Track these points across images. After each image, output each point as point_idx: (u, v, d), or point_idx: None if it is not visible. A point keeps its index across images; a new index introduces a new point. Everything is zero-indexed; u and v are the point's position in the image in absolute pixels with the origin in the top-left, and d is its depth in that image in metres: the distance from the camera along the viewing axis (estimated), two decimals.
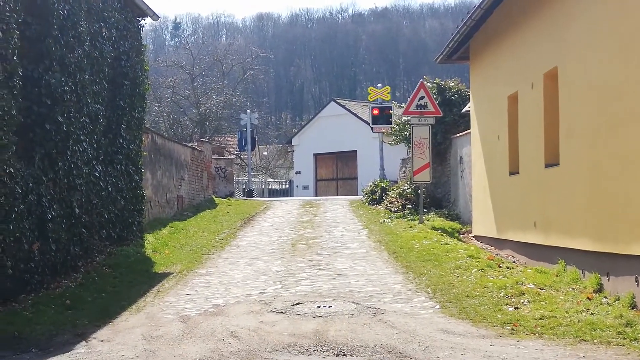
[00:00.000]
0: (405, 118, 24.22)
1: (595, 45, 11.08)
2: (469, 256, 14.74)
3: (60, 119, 12.79)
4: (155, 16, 18.41)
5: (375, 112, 30.84)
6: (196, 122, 58.54)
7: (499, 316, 9.89)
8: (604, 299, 10.32)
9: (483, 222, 18.00)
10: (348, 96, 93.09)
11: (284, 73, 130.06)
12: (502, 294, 11.16)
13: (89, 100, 14.39)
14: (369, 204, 27.62)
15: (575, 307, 10.01)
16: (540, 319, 9.58)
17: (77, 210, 13.62)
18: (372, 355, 8.09)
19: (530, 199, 14.26)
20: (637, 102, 9.73)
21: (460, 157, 21.72)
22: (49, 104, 12.44)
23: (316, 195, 49.03)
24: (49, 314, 10.56)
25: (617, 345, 8.33)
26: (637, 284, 9.77)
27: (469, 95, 21.27)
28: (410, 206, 23.74)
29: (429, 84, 23.55)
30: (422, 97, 21.25)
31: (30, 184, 11.74)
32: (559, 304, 10.26)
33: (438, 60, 20.43)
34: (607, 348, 8.25)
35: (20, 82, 11.42)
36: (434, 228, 19.49)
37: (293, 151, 57.78)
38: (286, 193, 58.79)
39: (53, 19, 12.61)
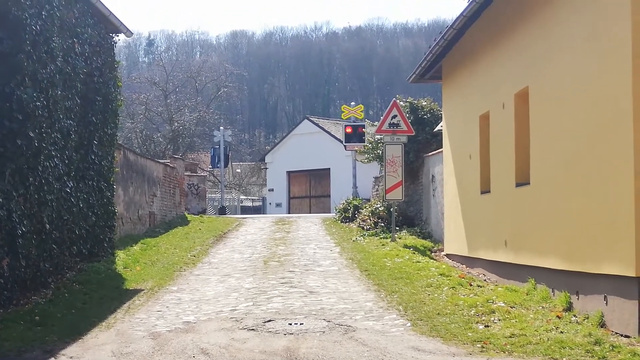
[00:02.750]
0: (378, 136, 24.36)
1: (566, 66, 11.21)
2: (441, 274, 14.81)
3: (32, 135, 12.71)
4: (128, 32, 18.38)
5: (349, 130, 30.92)
6: (169, 139, 58.36)
7: (470, 334, 9.93)
8: (574, 318, 10.40)
9: (455, 241, 18.09)
10: (321, 114, 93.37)
11: (258, 90, 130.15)
12: (472, 312, 11.21)
13: (61, 116, 14.33)
14: (342, 221, 27.66)
15: (545, 325, 10.07)
16: (510, 337, 9.62)
17: (47, 226, 13.53)
18: None
19: (501, 217, 14.36)
20: (606, 124, 9.84)
21: (433, 176, 21.84)
22: (21, 119, 12.35)
23: (289, 213, 49.00)
24: (17, 330, 10.45)
25: None
26: (606, 303, 9.86)
27: (441, 114, 21.41)
28: (382, 224, 23.81)
29: (401, 102, 23.69)
30: (394, 116, 21.37)
31: (1, 199, 11.64)
32: (529, 322, 10.32)
33: (411, 79, 20.57)
34: None
35: None
36: (406, 246, 19.55)
37: (266, 168, 57.80)
38: (259, 210, 58.70)
39: (25, 34, 12.54)
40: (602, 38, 10.00)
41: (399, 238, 21.25)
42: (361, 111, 35.06)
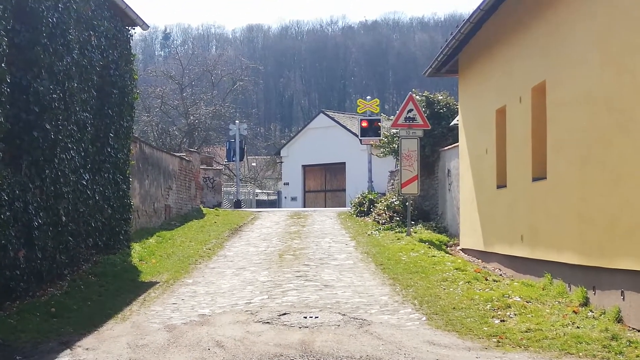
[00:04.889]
0: (394, 130, 24.31)
1: (583, 60, 11.14)
2: (456, 269, 14.76)
3: (48, 127, 12.75)
4: (145, 26, 18.39)
5: (364, 124, 30.88)
6: (185, 132, 58.43)
7: (485, 328, 9.90)
8: (590, 313, 10.34)
9: (470, 235, 18.03)
10: (337, 108, 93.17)
11: (274, 84, 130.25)
12: (488, 307, 11.17)
13: (77, 109, 14.36)
14: (357, 215, 27.63)
15: (561, 320, 10.03)
16: (526, 331, 9.59)
17: (63, 218, 13.57)
18: None
19: (517, 212, 14.30)
20: (624, 119, 9.78)
21: (448, 170, 21.77)
22: (37, 112, 12.40)
23: (304, 207, 49.01)
24: (34, 322, 10.50)
25: (603, 358, 8.36)
26: (623, 298, 9.80)
27: (457, 108, 21.33)
28: (398, 218, 23.75)
29: (417, 96, 23.62)
30: (410, 110, 21.31)
31: (17, 191, 11.68)
32: (545, 317, 10.28)
33: (427, 73, 20.51)
34: None
35: (8, 89, 11.37)
36: (421, 240, 19.50)
37: (282, 162, 57.80)
38: (274, 204, 58.68)
39: (42, 26, 12.58)
40: (621, 33, 9.92)
41: (415, 232, 21.20)
42: (377, 105, 35.02)
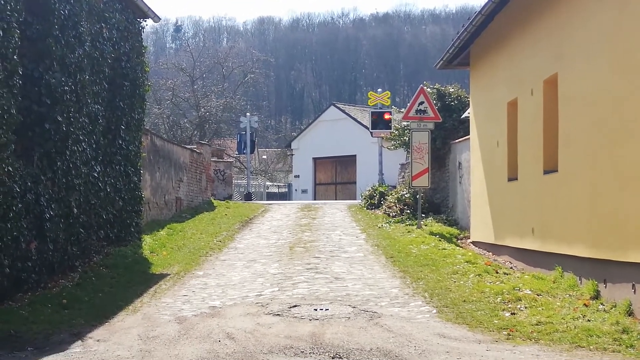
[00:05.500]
0: (405, 123, 24.23)
1: (594, 54, 11.09)
2: (467, 261, 14.75)
3: (60, 119, 12.79)
4: (156, 18, 18.41)
5: (375, 117, 30.82)
6: (196, 125, 58.43)
7: (496, 321, 9.89)
8: (601, 306, 10.32)
9: (481, 228, 18.00)
10: (348, 101, 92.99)
11: (285, 77, 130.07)
12: (499, 300, 11.17)
13: (89, 101, 14.40)
14: (368, 208, 27.61)
15: (572, 313, 10.01)
16: (537, 324, 9.58)
17: (75, 210, 13.62)
18: (368, 358, 8.08)
19: (528, 205, 14.26)
20: (633, 113, 9.73)
21: (459, 163, 21.73)
22: (49, 104, 12.45)
23: (315, 199, 48.95)
24: (45, 313, 10.56)
25: (613, 351, 8.34)
26: (634, 291, 9.77)
27: (468, 101, 21.28)
28: (408, 211, 23.73)
29: (428, 89, 23.55)
30: (421, 102, 21.25)
31: (29, 183, 11.74)
32: (556, 310, 10.26)
33: (438, 66, 20.45)
34: (603, 354, 8.26)
35: (20, 81, 11.42)
36: (431, 233, 19.48)
37: (292, 155, 57.74)
38: (285, 197, 58.68)
39: (54, 18, 12.62)
40: (630, 28, 9.87)
41: (425, 225, 21.18)
42: (388, 98, 34.90)
